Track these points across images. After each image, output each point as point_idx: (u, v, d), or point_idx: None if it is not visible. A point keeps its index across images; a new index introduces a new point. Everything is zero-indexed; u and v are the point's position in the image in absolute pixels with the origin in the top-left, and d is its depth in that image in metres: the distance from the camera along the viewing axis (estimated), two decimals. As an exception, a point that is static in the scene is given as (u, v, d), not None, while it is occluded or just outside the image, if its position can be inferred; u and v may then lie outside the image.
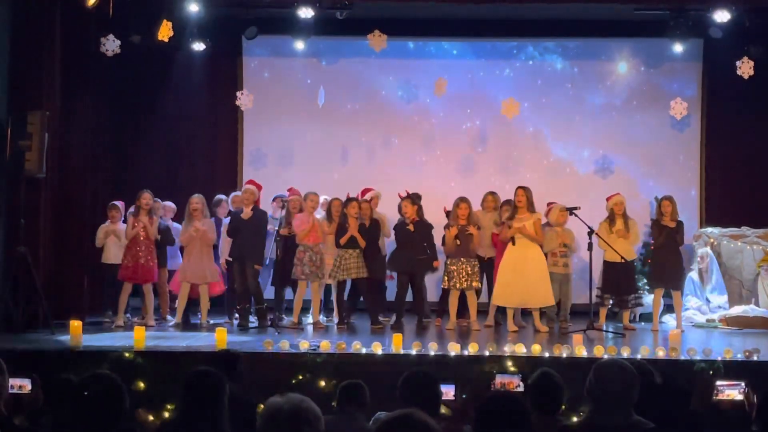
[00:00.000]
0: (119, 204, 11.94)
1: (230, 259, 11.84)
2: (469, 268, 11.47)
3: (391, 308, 11.90)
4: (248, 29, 13.44)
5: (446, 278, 11.54)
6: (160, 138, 14.11)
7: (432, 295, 12.62)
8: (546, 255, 11.59)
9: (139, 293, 11.80)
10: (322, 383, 8.82)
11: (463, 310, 11.77)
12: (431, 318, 12.16)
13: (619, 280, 11.63)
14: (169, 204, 12.39)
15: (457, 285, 11.46)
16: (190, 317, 11.83)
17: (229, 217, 11.91)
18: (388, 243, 12.23)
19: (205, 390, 4.24)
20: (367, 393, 5.78)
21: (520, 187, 11.62)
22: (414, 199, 11.85)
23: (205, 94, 14.26)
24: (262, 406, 3.64)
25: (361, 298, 12.05)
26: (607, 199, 11.93)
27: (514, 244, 11.38)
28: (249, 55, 14.34)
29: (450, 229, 11.54)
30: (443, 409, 5.55)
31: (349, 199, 11.80)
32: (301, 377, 8.94)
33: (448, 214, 11.89)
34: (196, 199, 11.67)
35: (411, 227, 11.65)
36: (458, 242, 11.42)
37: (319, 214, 11.89)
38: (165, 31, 12.08)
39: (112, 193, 12.62)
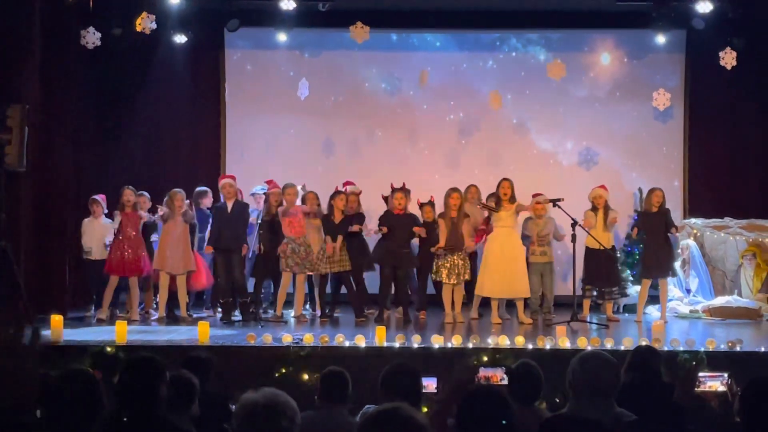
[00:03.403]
0: (100, 198, 11.89)
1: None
2: (459, 261, 11.45)
3: (375, 301, 11.88)
4: (230, 21, 13.38)
5: (437, 271, 11.50)
6: (142, 131, 14.01)
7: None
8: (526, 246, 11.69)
9: (123, 287, 11.79)
10: (306, 376, 8.80)
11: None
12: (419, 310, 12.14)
13: (600, 270, 11.66)
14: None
15: (452, 280, 11.43)
16: (174, 310, 11.79)
17: (213, 212, 11.87)
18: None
19: (140, 377, 4.19)
20: (350, 381, 5.74)
21: (505, 179, 11.64)
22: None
23: (187, 87, 14.16)
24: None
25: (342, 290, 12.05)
26: (591, 190, 11.97)
27: (495, 210, 11.46)
28: (231, 47, 14.27)
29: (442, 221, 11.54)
30: (425, 403, 5.53)
31: (337, 192, 11.80)
32: (284, 371, 8.93)
33: (422, 205, 11.92)
34: (181, 196, 11.63)
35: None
36: (447, 232, 11.42)
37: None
38: (143, 22, 11.95)
39: (94, 187, 12.53)
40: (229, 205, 11.65)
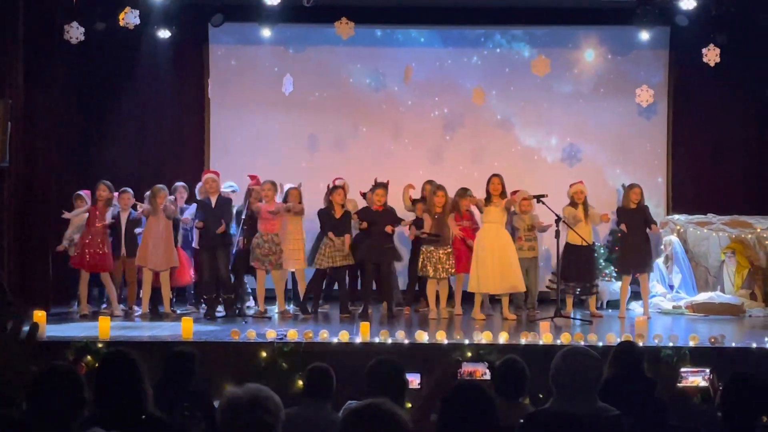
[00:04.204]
0: (84, 194, 11.85)
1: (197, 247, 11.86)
2: (443, 256, 11.46)
3: (360, 297, 11.88)
4: (214, 16, 13.37)
5: (421, 266, 11.52)
6: (126, 126, 13.98)
7: (402, 283, 12.64)
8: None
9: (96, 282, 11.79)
10: (290, 372, 8.79)
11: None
12: (402, 306, 12.14)
13: (578, 265, 11.68)
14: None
15: (437, 275, 11.45)
16: (157, 306, 11.77)
17: (197, 206, 11.83)
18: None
19: (120, 371, 4.21)
20: (334, 378, 5.74)
21: (495, 175, 11.65)
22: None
23: (171, 82, 14.12)
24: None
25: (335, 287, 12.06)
26: (570, 186, 11.98)
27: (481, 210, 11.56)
28: (215, 42, 14.23)
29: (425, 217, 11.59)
30: (409, 398, 5.53)
31: (335, 187, 11.80)
32: (268, 366, 8.92)
33: (415, 201, 11.93)
34: (164, 193, 11.60)
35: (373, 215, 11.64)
36: (432, 230, 11.44)
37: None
38: (126, 17, 11.89)
39: (78, 182, 12.48)
40: (213, 200, 11.63)
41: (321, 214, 11.77)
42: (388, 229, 11.55)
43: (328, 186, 12.05)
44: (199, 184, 12.31)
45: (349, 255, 11.61)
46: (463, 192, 11.88)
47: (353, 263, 11.71)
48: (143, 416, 4.10)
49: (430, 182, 12.25)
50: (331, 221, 11.62)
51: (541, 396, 7.43)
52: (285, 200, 11.79)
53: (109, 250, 11.57)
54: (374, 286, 11.80)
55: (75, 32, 11.92)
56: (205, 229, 11.56)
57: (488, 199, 11.56)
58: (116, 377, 4.14)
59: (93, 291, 12.01)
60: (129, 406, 4.10)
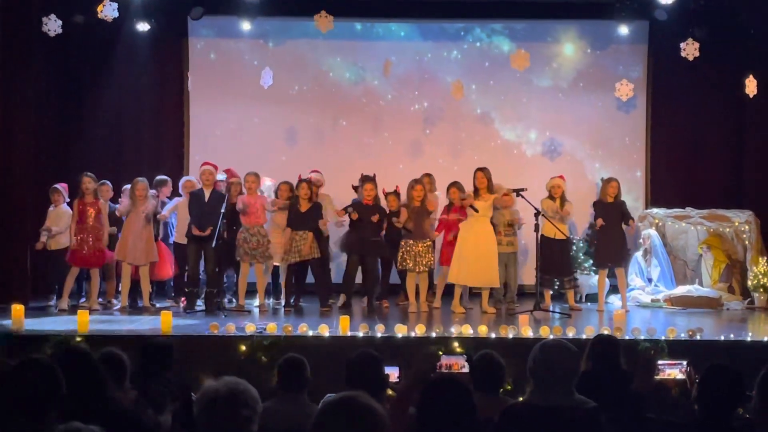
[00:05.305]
0: (61, 187, 11.77)
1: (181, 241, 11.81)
2: (422, 250, 11.48)
3: (339, 290, 11.88)
4: (194, 9, 13.31)
5: (402, 260, 11.53)
6: (105, 120, 13.91)
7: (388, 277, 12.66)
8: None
9: (85, 276, 11.70)
10: (268, 366, 8.77)
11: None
12: (381, 300, 12.14)
13: (553, 259, 11.72)
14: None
15: (417, 268, 11.46)
16: (136, 300, 11.72)
17: (190, 198, 11.62)
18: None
19: (74, 367, 4.23)
20: (307, 367, 5.72)
21: (480, 169, 11.66)
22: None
23: (150, 76, 14.06)
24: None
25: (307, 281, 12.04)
26: (550, 179, 12.03)
27: (477, 211, 11.41)
28: (195, 35, 14.19)
29: (403, 210, 11.58)
30: (388, 392, 5.54)
31: (301, 181, 11.76)
32: (247, 360, 8.90)
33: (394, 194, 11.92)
34: (143, 185, 11.51)
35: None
36: (411, 224, 11.45)
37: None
38: (105, 9, 11.80)
39: (56, 175, 12.41)
40: (207, 194, 11.48)
41: (289, 208, 11.73)
42: (374, 218, 11.53)
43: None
44: (183, 179, 12.24)
45: (315, 249, 11.55)
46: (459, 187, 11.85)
47: (318, 256, 11.65)
48: (108, 411, 4.11)
49: (454, 184, 12.20)
50: (296, 216, 11.59)
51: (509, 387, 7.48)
52: (276, 195, 11.83)
53: (105, 244, 11.52)
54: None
55: (53, 25, 11.83)
56: (196, 222, 11.41)
57: (476, 194, 11.56)
58: (70, 372, 4.15)
59: (77, 286, 11.95)
60: (87, 401, 4.11)
